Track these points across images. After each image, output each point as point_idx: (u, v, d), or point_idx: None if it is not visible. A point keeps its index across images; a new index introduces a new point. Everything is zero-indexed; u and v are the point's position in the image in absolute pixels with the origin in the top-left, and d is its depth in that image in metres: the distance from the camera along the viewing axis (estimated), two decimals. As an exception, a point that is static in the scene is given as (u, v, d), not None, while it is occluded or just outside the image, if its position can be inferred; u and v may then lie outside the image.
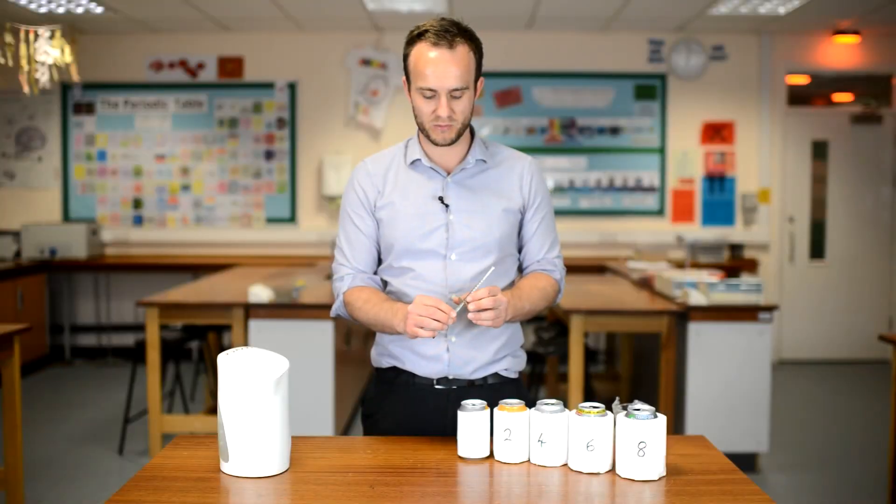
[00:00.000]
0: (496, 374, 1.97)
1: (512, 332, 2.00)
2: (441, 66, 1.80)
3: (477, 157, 1.95)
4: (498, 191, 1.95)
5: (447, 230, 1.91)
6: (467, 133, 1.96)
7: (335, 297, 2.01)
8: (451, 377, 1.93)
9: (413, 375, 1.95)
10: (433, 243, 1.91)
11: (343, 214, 2.01)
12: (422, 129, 1.90)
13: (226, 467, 1.62)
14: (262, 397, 1.60)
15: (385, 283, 2.01)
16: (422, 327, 1.74)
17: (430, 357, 1.92)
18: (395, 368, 1.97)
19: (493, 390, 1.94)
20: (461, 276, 1.91)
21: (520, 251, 2.04)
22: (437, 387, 1.94)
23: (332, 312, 2.03)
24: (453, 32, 1.81)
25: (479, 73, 1.89)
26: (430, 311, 1.73)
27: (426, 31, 1.82)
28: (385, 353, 1.99)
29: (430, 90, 1.82)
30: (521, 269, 2.08)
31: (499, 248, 1.94)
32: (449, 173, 1.95)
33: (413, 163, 1.95)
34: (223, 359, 1.63)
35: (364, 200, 1.97)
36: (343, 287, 1.98)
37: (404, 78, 1.90)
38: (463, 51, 1.82)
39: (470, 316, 1.76)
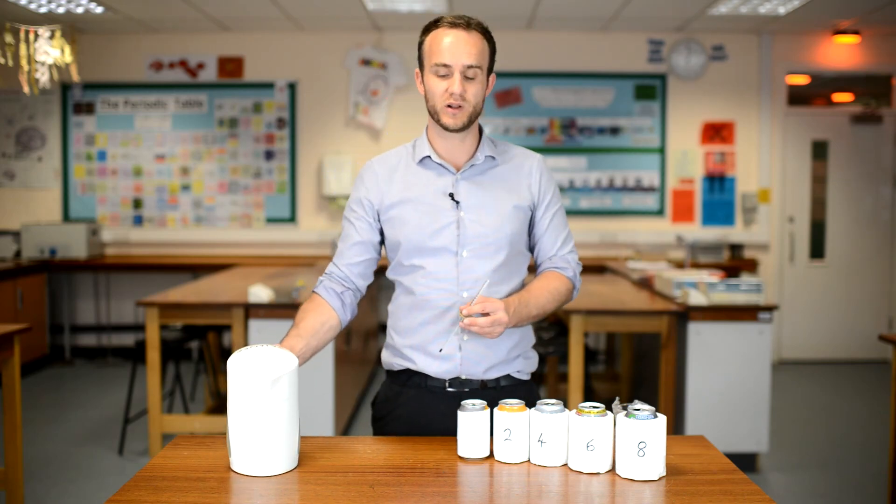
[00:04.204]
0: (508, 376, 1.96)
1: (524, 332, 1.99)
2: (457, 43, 1.84)
3: (486, 153, 1.95)
4: (508, 187, 1.95)
5: (458, 227, 1.90)
6: (476, 130, 1.97)
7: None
8: (463, 377, 1.92)
9: (426, 377, 1.93)
10: (444, 240, 1.90)
11: (346, 209, 2.02)
12: (433, 115, 1.89)
13: (234, 465, 1.62)
14: (264, 395, 1.60)
15: (395, 282, 2.02)
16: None
17: (442, 356, 1.91)
18: (407, 371, 1.96)
19: (505, 392, 1.93)
20: (473, 274, 1.90)
21: (532, 249, 2.04)
22: (448, 389, 1.92)
23: None
24: (471, 21, 1.87)
25: (491, 66, 1.92)
26: None
27: (441, 19, 1.88)
28: (398, 355, 1.98)
29: (445, 66, 1.84)
30: (534, 269, 2.07)
31: (509, 244, 1.93)
32: (458, 170, 1.94)
33: (422, 160, 1.95)
34: (234, 357, 1.64)
35: (365, 202, 1.97)
36: (316, 286, 1.98)
37: (417, 70, 1.92)
38: (478, 35, 1.87)
39: (462, 325, 1.78)
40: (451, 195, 1.91)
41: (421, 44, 1.90)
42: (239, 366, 1.62)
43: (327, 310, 1.92)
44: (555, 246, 2.01)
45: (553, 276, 1.99)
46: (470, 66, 1.84)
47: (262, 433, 1.60)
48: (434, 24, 1.88)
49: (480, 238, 1.90)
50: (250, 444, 1.60)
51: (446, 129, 1.88)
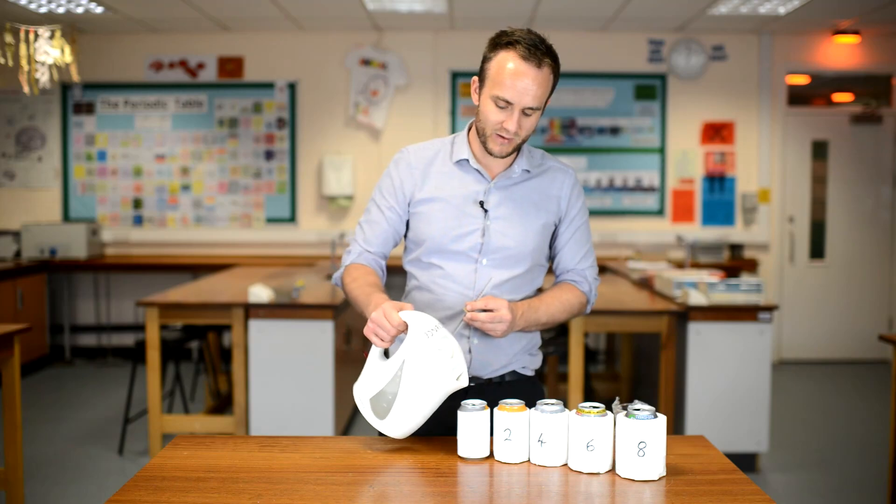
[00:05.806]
0: (513, 372, 2.00)
1: (532, 335, 2.03)
2: (524, 82, 1.78)
3: (523, 167, 1.96)
4: (538, 202, 1.96)
5: (483, 235, 1.92)
6: None
7: (341, 267, 2.04)
8: (470, 376, 1.95)
9: None
10: (466, 246, 1.92)
11: (375, 193, 2.02)
12: (481, 135, 1.89)
13: (376, 423, 1.72)
14: (441, 389, 1.69)
15: (408, 275, 2.04)
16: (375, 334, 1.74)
17: None
18: None
19: (510, 387, 1.97)
20: (490, 282, 1.92)
21: (552, 260, 2.06)
22: None
23: (333, 280, 2.06)
24: (542, 51, 1.79)
25: (552, 92, 1.88)
26: (376, 326, 1.72)
27: (517, 41, 1.79)
28: None
29: (506, 101, 1.80)
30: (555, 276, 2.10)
31: (531, 258, 1.96)
32: (493, 178, 1.95)
33: (459, 161, 1.95)
34: (425, 337, 1.69)
35: (399, 190, 1.98)
36: (347, 260, 2.01)
37: (476, 78, 1.89)
38: (547, 72, 1.81)
39: (465, 319, 1.80)
40: (482, 203, 1.92)
41: (487, 59, 1.84)
42: (432, 349, 1.68)
43: (377, 276, 1.96)
44: (573, 260, 2.03)
45: (567, 287, 2.02)
46: (530, 108, 1.81)
47: (426, 410, 1.71)
48: (506, 45, 1.80)
49: (503, 250, 1.93)
50: (411, 416, 1.70)
51: (491, 153, 1.89)
